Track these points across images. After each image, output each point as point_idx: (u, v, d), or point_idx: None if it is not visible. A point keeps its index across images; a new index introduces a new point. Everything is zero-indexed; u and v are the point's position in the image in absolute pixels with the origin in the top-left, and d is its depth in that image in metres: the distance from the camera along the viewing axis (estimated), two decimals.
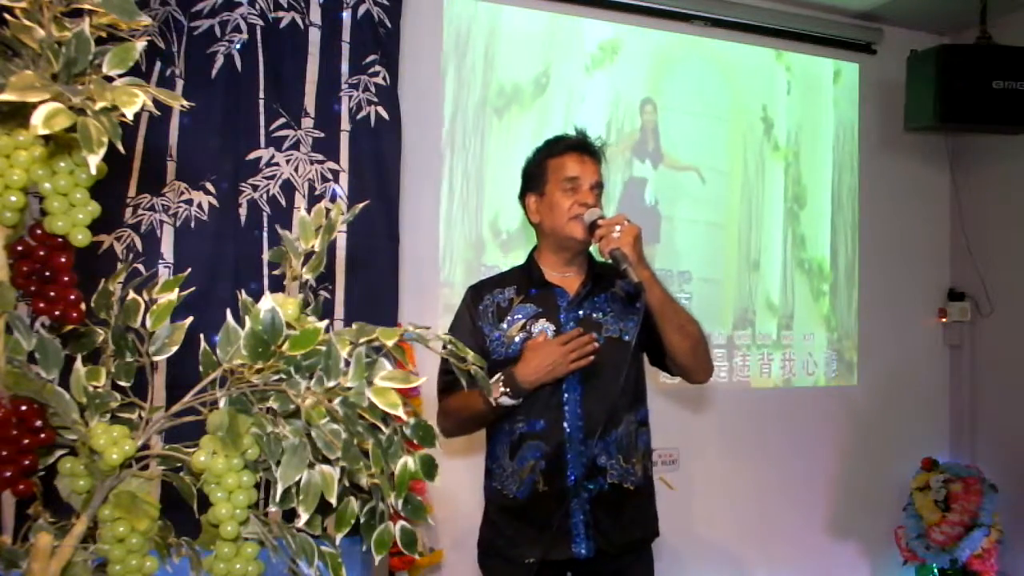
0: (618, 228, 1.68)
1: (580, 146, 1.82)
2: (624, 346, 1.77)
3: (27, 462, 0.77)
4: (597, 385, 1.76)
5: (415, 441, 0.87)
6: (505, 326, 1.81)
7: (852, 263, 3.58)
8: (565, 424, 1.75)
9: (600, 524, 1.76)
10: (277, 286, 2.33)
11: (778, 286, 3.42)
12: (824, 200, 3.54)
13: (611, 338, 1.79)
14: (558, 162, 1.80)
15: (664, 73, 3.24)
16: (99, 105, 0.72)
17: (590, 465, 1.75)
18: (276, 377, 0.83)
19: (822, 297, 3.52)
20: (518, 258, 2.92)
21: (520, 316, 1.81)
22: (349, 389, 0.81)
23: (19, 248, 0.78)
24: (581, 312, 1.81)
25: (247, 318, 0.81)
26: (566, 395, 1.76)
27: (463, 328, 1.84)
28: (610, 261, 1.71)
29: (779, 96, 3.44)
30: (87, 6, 0.77)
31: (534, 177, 1.85)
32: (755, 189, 3.39)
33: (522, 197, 1.89)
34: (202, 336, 0.87)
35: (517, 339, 1.79)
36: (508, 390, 1.69)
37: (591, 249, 1.86)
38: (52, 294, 0.78)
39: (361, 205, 1.12)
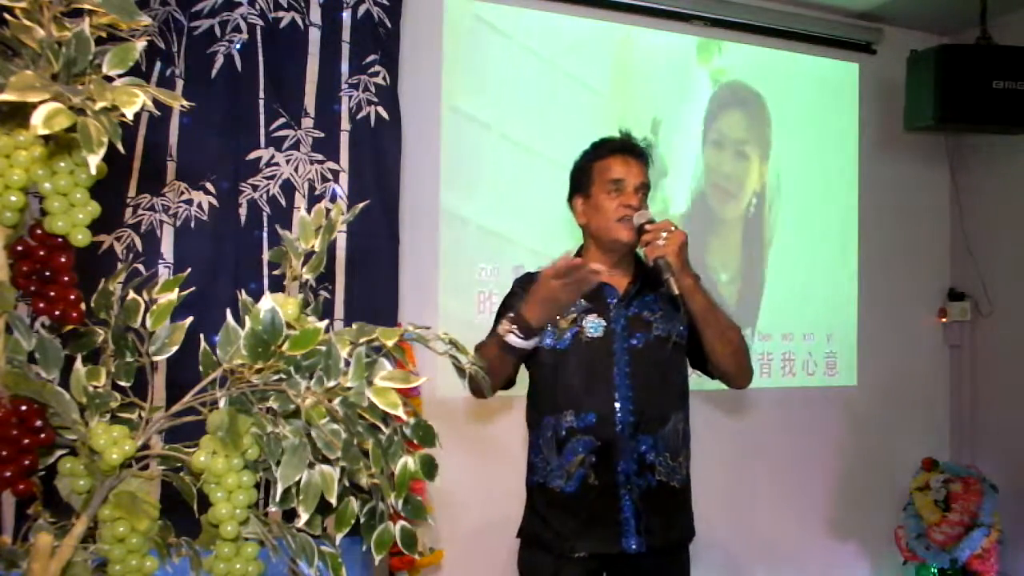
0: (664, 234, 1.69)
1: (625, 148, 1.84)
2: (673, 346, 1.80)
3: (27, 462, 0.77)
4: (647, 383, 1.78)
5: (415, 441, 0.87)
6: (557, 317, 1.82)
7: (852, 263, 3.58)
8: (616, 419, 1.76)
9: (649, 521, 1.77)
10: (277, 286, 2.33)
11: (777, 286, 3.42)
12: (824, 200, 3.53)
13: (660, 337, 1.81)
14: (603, 164, 1.82)
15: (671, 79, 3.24)
16: (99, 105, 0.72)
17: (639, 461, 1.77)
18: (276, 377, 0.83)
19: (822, 297, 3.52)
20: (521, 258, 2.95)
21: (572, 310, 1.81)
22: (349, 389, 0.81)
23: (19, 248, 0.78)
24: (631, 310, 1.82)
25: (247, 318, 0.81)
26: (617, 391, 1.78)
27: (507, 311, 1.85)
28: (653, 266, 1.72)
29: (782, 96, 3.44)
30: (87, 6, 0.77)
31: (580, 179, 1.87)
32: (754, 189, 3.39)
33: (570, 199, 1.91)
34: (202, 336, 0.87)
35: (569, 331, 1.80)
36: (516, 327, 1.66)
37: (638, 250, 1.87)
38: (52, 294, 0.78)
39: (361, 205, 1.12)
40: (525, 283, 1.87)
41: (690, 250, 1.73)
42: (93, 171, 0.73)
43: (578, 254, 1.91)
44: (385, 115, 2.65)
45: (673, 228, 1.71)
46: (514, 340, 1.67)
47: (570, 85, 3.06)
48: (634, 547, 1.76)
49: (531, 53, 3.01)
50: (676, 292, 1.67)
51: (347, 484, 0.85)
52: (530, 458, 1.87)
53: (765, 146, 3.42)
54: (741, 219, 3.39)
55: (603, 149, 1.85)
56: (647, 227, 1.73)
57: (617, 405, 1.77)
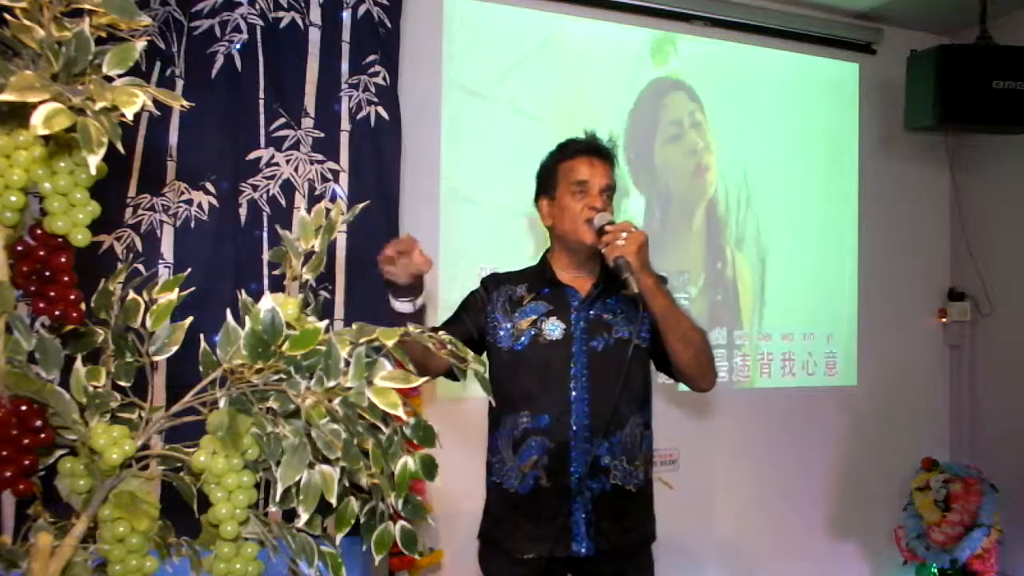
0: (624, 235, 1.68)
1: (591, 149, 1.83)
2: (635, 349, 1.78)
3: (27, 462, 0.77)
4: (605, 385, 1.76)
5: (415, 441, 0.87)
6: (517, 316, 1.82)
7: (852, 263, 3.58)
8: (571, 421, 1.76)
9: (601, 524, 1.76)
10: (277, 286, 2.33)
11: (778, 286, 3.42)
12: (824, 200, 3.53)
13: (620, 339, 1.80)
14: (568, 166, 1.82)
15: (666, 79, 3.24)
16: (99, 105, 0.72)
17: (593, 464, 1.75)
18: (276, 377, 0.83)
19: (822, 297, 3.52)
20: (519, 259, 2.95)
21: (531, 313, 1.82)
22: (349, 389, 0.81)
23: (19, 248, 0.78)
24: (592, 312, 1.82)
25: (247, 318, 0.81)
26: (574, 393, 1.77)
27: (473, 304, 1.86)
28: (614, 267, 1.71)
29: (781, 95, 3.44)
30: (87, 6, 0.77)
31: (546, 181, 1.86)
32: (754, 189, 3.39)
33: (536, 200, 1.90)
34: (202, 336, 0.87)
35: (526, 333, 1.80)
36: (391, 292, 1.72)
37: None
38: (52, 294, 0.78)
39: (361, 205, 1.12)
40: (489, 283, 1.89)
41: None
42: (93, 171, 0.73)
43: (545, 256, 1.92)
44: (385, 115, 2.65)
45: (633, 229, 1.70)
46: (396, 304, 1.72)
47: (565, 85, 3.06)
48: (583, 551, 1.74)
49: (531, 54, 3.01)
50: (635, 291, 1.66)
51: (347, 484, 0.85)
52: (488, 458, 1.87)
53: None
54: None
55: (569, 150, 1.84)
56: (607, 228, 1.72)
57: (572, 408, 1.76)
